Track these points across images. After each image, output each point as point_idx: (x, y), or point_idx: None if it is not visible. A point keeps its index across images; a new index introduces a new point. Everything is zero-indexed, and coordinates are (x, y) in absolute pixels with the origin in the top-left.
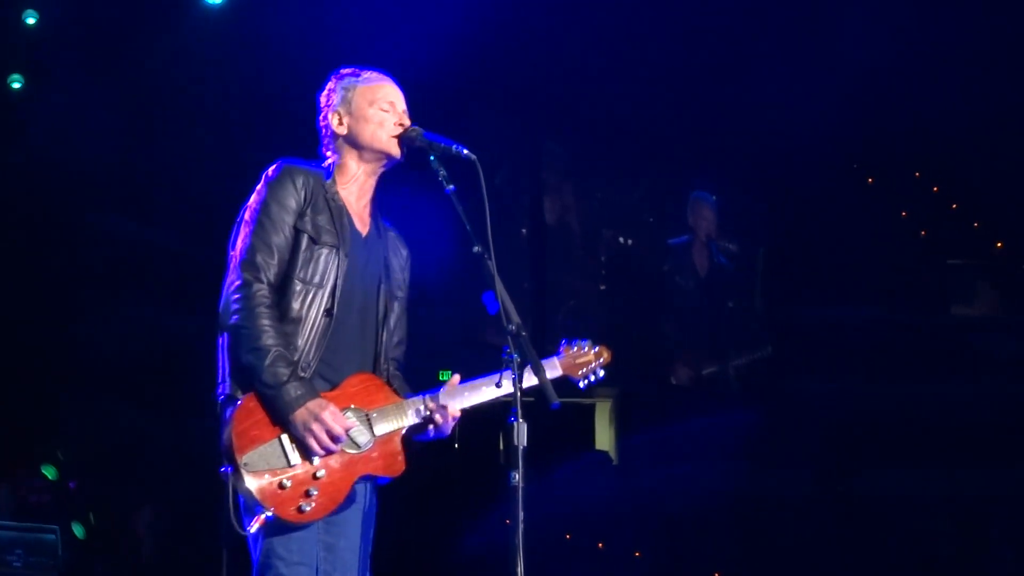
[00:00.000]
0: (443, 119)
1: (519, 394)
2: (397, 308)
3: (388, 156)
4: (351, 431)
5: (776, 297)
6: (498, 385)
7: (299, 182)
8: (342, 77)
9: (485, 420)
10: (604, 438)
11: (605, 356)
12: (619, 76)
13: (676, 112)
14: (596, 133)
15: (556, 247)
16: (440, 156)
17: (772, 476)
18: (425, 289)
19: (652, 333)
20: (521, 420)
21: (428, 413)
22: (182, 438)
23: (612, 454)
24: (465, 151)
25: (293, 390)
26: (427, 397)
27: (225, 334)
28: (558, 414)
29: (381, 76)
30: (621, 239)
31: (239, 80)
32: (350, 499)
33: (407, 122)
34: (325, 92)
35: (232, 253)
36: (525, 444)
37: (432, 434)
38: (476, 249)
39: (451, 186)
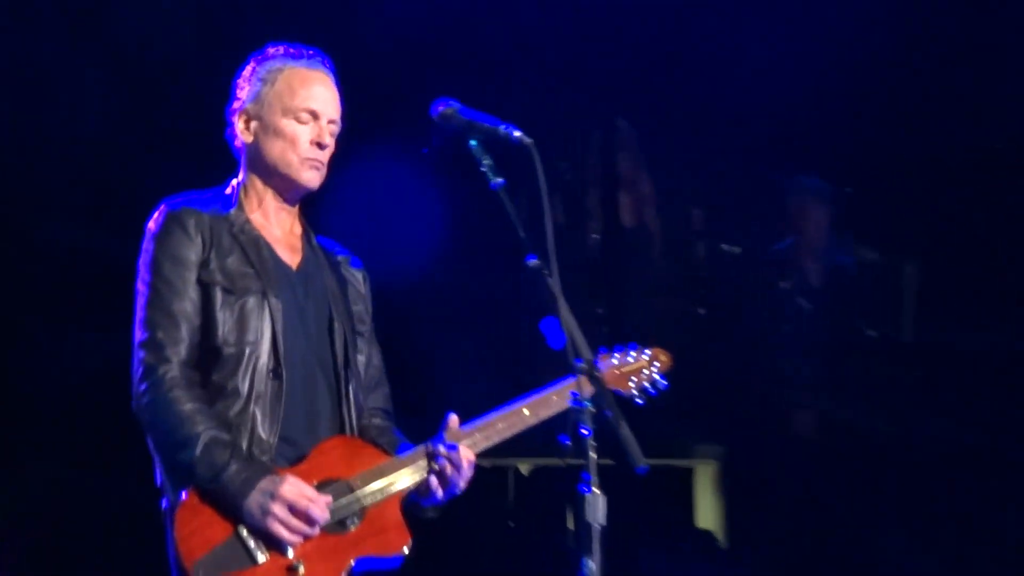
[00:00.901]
0: (480, 92)
1: (593, 455)
2: (362, 346)
3: (298, 186)
4: (329, 506)
5: (929, 322)
6: (528, 415)
7: (190, 224)
8: (264, 59)
9: (547, 487)
10: (707, 512)
11: (663, 359)
12: (712, 37)
13: (790, 87)
14: (687, 109)
15: (635, 258)
16: (484, 140)
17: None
18: (451, 308)
19: (765, 369)
20: (597, 491)
21: (431, 465)
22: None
23: (719, 534)
24: (517, 133)
25: (237, 474)
26: (426, 445)
27: (147, 437)
28: (646, 481)
29: (311, 65)
30: (722, 246)
31: (217, 74)
32: None
33: (328, 141)
34: (241, 78)
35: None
36: (603, 522)
37: (441, 495)
38: (533, 262)
39: (499, 179)
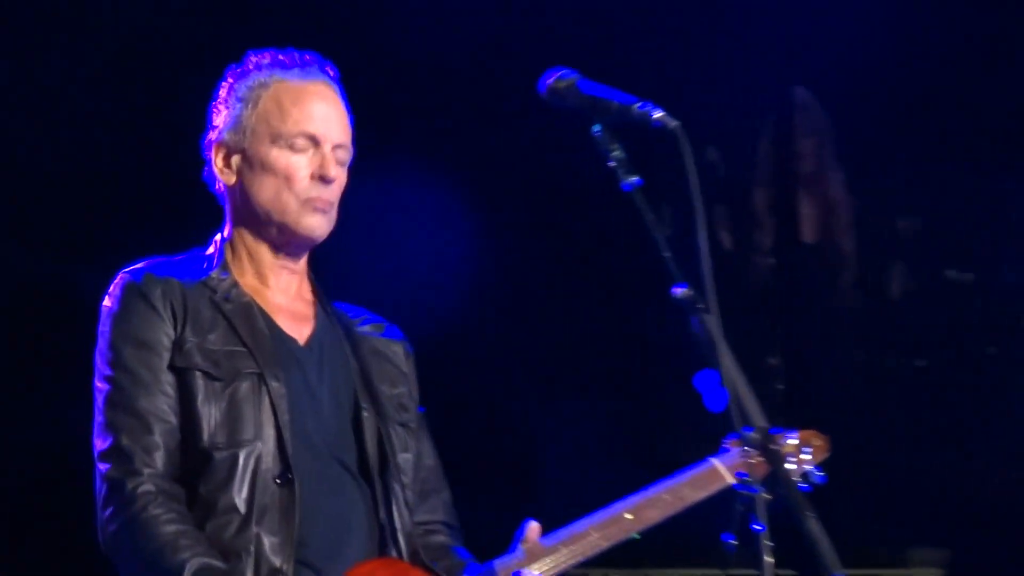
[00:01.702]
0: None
1: (770, 560)
2: (408, 441)
3: (299, 237)
4: None
5: None
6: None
7: (155, 295)
8: (245, 73)
9: None
10: None
11: (817, 444)
12: None
13: None
14: (892, 77)
15: (820, 288)
16: (612, 124)
17: None
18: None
19: (1009, 448)
20: None
21: None
22: None
23: None
24: (658, 113)
25: None
26: (494, 566)
27: (120, 571)
28: None
29: (307, 76)
30: (946, 273)
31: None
32: None
33: (334, 173)
34: (217, 100)
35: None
36: None
37: None
38: (681, 293)
39: (633, 177)
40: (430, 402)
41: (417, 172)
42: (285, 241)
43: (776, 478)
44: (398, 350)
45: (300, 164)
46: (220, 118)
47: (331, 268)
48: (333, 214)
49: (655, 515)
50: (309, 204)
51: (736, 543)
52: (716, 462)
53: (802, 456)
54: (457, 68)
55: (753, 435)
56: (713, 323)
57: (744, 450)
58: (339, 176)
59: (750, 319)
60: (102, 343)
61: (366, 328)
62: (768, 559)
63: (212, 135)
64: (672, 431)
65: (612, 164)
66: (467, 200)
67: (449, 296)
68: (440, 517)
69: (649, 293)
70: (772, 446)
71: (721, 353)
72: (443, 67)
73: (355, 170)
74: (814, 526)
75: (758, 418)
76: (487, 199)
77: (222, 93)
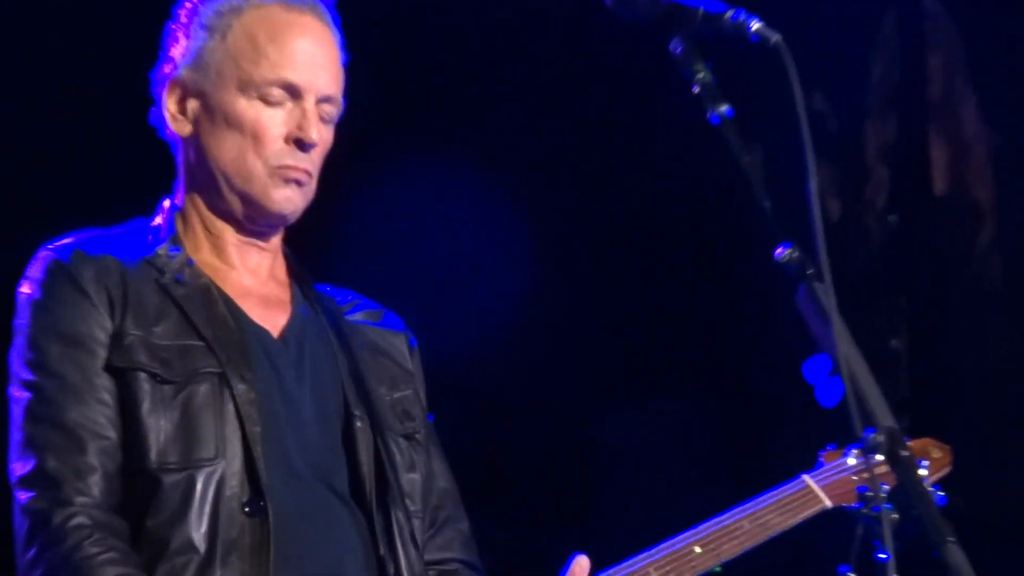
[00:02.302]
0: None
1: None
2: (414, 457)
3: (265, 212)
4: None
5: None
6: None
7: (86, 278)
8: None
9: None
10: None
11: (937, 456)
12: None
13: None
14: None
15: (956, 254)
16: (696, 37)
17: None
18: None
19: None
20: None
21: None
22: None
23: None
24: (756, 24)
25: None
26: None
27: None
28: None
29: (291, 4)
30: None
31: None
32: None
33: (315, 137)
34: (175, 23)
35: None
36: None
37: None
38: (786, 254)
39: (724, 107)
40: (465, 412)
41: (470, 168)
42: (249, 215)
43: (907, 493)
44: (399, 343)
45: (273, 121)
46: (177, 48)
47: (368, 267)
48: (311, 186)
49: (732, 548)
50: (280, 173)
51: None
52: (809, 480)
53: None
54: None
55: (878, 438)
56: (826, 293)
57: (863, 459)
58: (323, 137)
59: (864, 295)
60: (19, 340)
61: (358, 316)
62: None
63: (166, 68)
64: (758, 439)
65: (696, 90)
66: (516, 192)
67: (501, 295)
68: (457, 554)
69: (742, 257)
70: (902, 452)
71: (837, 332)
72: (486, 55)
73: (402, 170)
74: (956, 555)
75: (884, 416)
76: (539, 190)
77: (182, 14)
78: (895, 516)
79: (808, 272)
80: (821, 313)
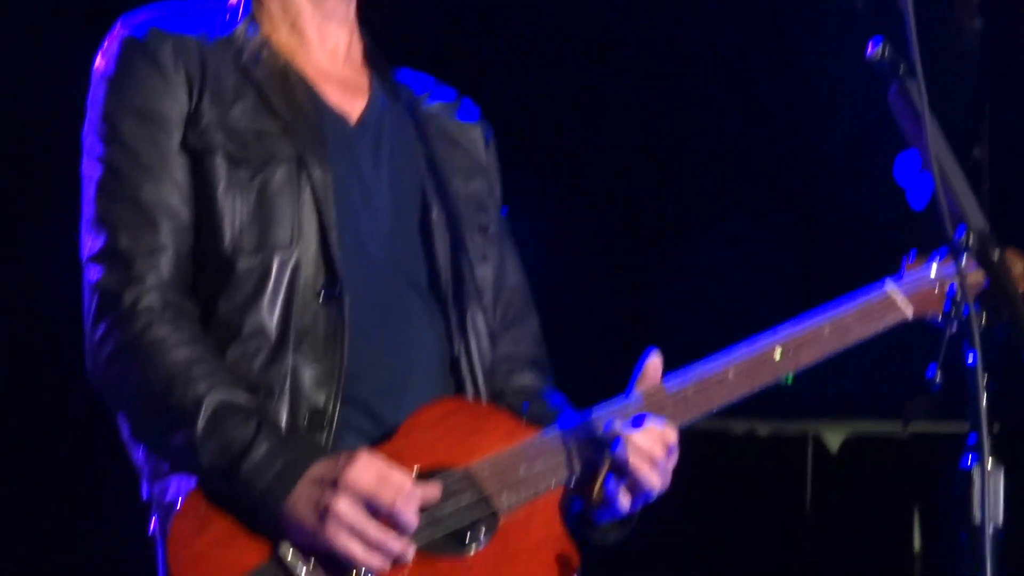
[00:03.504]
0: None
1: (983, 402)
2: (488, 250)
3: None
4: (434, 509)
5: None
6: (785, 359)
7: (164, 54)
8: None
9: (884, 470)
10: None
11: (1021, 270)
12: None
13: None
14: None
15: None
16: None
17: None
18: None
19: None
20: (994, 463)
21: (607, 456)
22: None
23: None
24: None
25: (268, 459)
26: (599, 418)
27: (115, 412)
28: None
29: None
30: None
31: None
32: None
33: None
34: None
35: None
36: (1000, 522)
37: (627, 503)
38: (877, 51)
39: None
40: None
41: None
42: None
43: (997, 295)
44: (475, 135)
45: None
46: None
47: None
48: None
49: (812, 354)
50: None
51: (940, 382)
52: (892, 287)
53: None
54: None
55: (968, 238)
56: (918, 91)
57: (948, 267)
58: None
59: (946, 102)
60: (93, 115)
61: (434, 105)
62: (983, 402)
63: None
64: (836, 245)
65: None
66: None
67: None
68: (526, 351)
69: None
70: (993, 253)
71: (929, 130)
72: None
73: None
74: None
75: (975, 217)
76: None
77: None
78: (983, 319)
79: (900, 68)
80: (913, 111)
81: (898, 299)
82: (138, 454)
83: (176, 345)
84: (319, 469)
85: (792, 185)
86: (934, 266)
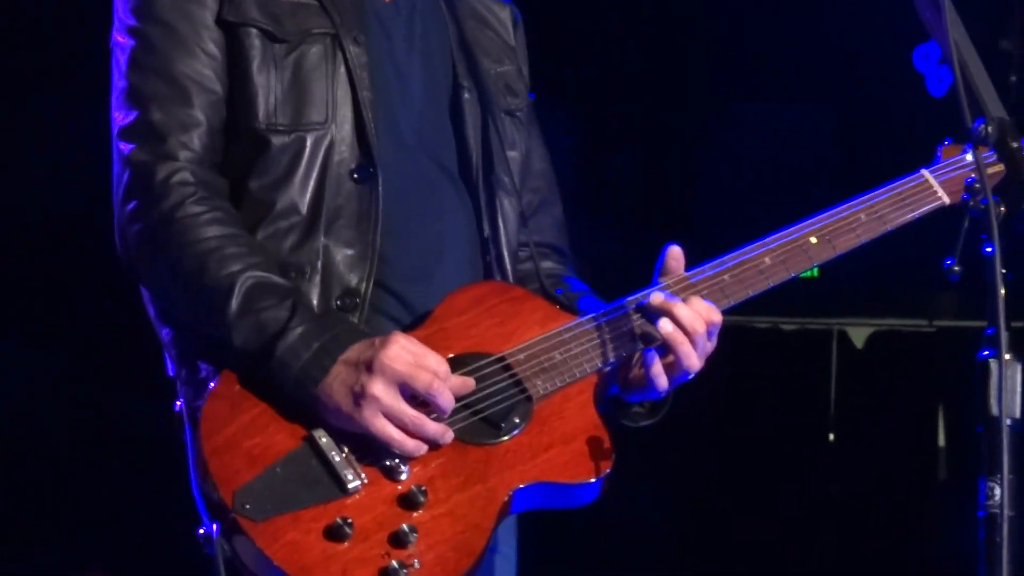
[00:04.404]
0: None
1: (1002, 293)
2: (516, 135)
3: None
4: (468, 394)
5: None
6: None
7: None
8: None
9: (907, 363)
10: None
11: None
12: None
13: None
14: None
15: None
16: None
17: None
18: None
19: None
20: (1011, 357)
21: (644, 333)
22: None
23: None
24: None
25: (303, 340)
26: (631, 302)
27: (143, 289)
28: None
29: None
30: None
31: None
32: (492, 549)
33: None
34: None
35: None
36: (1019, 415)
37: (664, 383)
38: None
39: None
40: None
41: None
42: None
43: (1017, 186)
44: (504, 16)
45: None
46: None
47: None
48: None
49: (847, 241)
50: None
51: (960, 270)
52: (928, 174)
53: None
54: None
55: (986, 128)
56: None
57: (973, 149)
58: None
59: None
60: None
61: None
62: (1001, 290)
63: None
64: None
65: None
66: None
67: None
68: (550, 239)
69: None
70: (1012, 143)
71: (948, 18)
72: None
73: None
74: None
75: (994, 106)
76: None
77: None
78: (1003, 209)
79: None
80: (933, 1)
81: (935, 184)
82: (164, 332)
83: (210, 222)
84: (354, 352)
85: (830, 73)
86: (971, 153)
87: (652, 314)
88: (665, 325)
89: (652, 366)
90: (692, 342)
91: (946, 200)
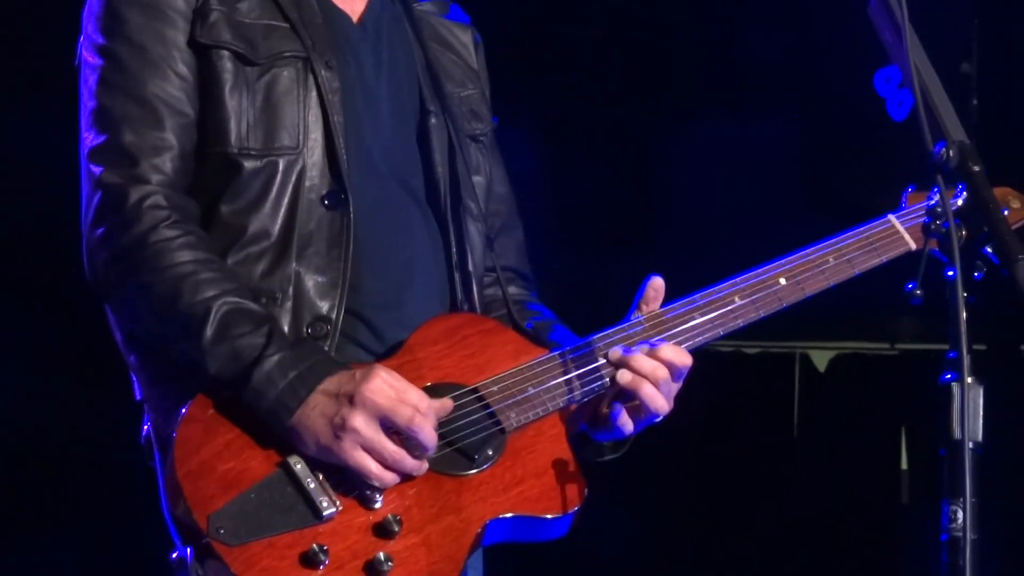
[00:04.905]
0: None
1: (963, 316)
2: (479, 159)
3: None
4: (443, 426)
5: None
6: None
7: None
8: None
9: (867, 386)
10: None
11: (1017, 206)
12: None
13: None
14: None
15: None
16: None
17: None
18: None
19: None
20: (972, 380)
21: (614, 377)
22: None
23: None
24: None
25: (281, 368)
26: (605, 336)
27: (113, 317)
28: None
29: None
30: None
31: None
32: None
33: None
34: None
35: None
36: (980, 438)
37: (630, 425)
38: None
39: None
40: None
41: None
42: None
43: (978, 210)
44: (466, 39)
45: None
46: None
47: None
48: None
49: (816, 283)
50: None
51: (921, 294)
52: (895, 219)
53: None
54: None
55: (947, 152)
56: (899, 3)
57: (940, 194)
58: None
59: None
60: (96, 4)
61: (425, 5)
62: (962, 314)
63: None
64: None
65: None
66: None
67: None
68: (512, 263)
69: None
70: (973, 166)
71: (908, 42)
72: None
73: None
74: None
75: (955, 130)
76: None
77: None
78: (963, 233)
79: None
80: (893, 24)
81: (901, 231)
82: (131, 357)
83: (183, 247)
84: (333, 383)
85: (793, 93)
86: (935, 199)
87: (615, 364)
88: (623, 376)
89: (619, 417)
90: (659, 388)
91: (912, 246)
